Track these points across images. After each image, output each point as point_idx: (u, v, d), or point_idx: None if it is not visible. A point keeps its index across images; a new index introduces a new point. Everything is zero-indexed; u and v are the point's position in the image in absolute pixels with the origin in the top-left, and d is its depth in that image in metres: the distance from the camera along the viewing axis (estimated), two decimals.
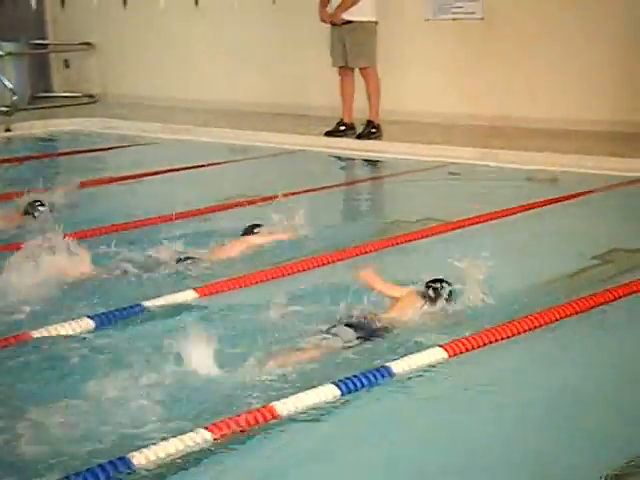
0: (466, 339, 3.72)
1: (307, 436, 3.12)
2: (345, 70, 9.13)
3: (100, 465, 2.81)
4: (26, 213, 5.96)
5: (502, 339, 3.78)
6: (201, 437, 2.99)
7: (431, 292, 4.00)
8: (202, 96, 11.60)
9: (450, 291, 4.01)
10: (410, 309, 3.98)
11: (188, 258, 4.91)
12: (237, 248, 5.12)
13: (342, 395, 3.29)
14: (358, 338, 3.75)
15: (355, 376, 3.37)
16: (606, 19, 8.71)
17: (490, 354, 3.69)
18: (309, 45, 10.42)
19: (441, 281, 4.03)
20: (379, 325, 3.85)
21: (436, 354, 3.62)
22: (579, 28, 8.88)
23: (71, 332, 3.96)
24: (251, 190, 6.75)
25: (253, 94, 11.19)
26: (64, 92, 13.22)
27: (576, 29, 8.90)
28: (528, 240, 5.39)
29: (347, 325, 3.80)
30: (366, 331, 3.79)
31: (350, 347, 3.69)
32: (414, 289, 4.09)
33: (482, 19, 9.53)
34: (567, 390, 3.42)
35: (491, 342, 3.74)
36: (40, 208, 5.94)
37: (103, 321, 4.08)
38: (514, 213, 5.87)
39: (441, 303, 3.99)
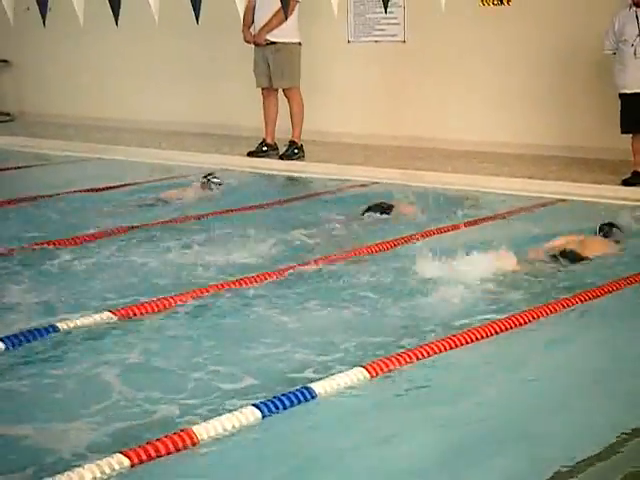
0: None
1: None
2: (269, 91, 9.11)
3: None
4: None
5: None
6: None
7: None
8: (124, 115, 11.45)
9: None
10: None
11: None
12: None
13: None
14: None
15: None
16: (526, 42, 8.87)
17: None
18: (233, 65, 10.38)
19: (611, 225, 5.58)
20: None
21: None
22: (500, 52, 9.03)
23: None
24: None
25: (176, 113, 11.09)
26: None
27: (497, 53, 9.05)
28: None
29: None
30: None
31: None
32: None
33: (403, 42, 9.62)
34: None
35: None
36: None
37: None
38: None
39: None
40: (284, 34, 8.88)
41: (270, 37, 8.89)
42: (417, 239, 5.69)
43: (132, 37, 11.43)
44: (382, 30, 9.78)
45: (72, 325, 4.18)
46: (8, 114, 12.56)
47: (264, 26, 8.88)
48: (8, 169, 9.11)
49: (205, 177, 7.46)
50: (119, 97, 11.64)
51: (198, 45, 10.88)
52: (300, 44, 9.00)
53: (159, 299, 4.55)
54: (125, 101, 11.57)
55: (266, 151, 9.20)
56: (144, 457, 2.94)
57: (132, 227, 6.22)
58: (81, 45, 11.89)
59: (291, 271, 5.06)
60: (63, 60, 12.09)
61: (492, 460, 3.02)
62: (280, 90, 9.10)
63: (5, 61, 12.65)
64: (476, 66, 9.17)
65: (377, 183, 7.84)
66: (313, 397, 3.41)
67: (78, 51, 11.94)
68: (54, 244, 5.71)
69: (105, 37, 11.64)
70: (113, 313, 4.35)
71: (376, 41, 9.84)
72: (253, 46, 9.07)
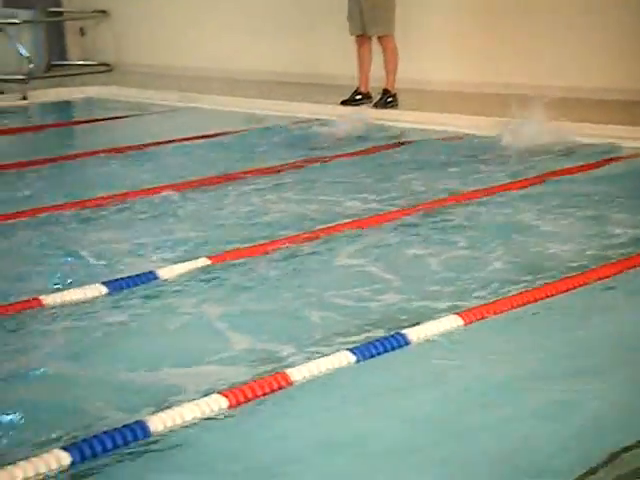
0: None
1: None
2: (362, 38, 9.05)
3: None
4: None
5: None
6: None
7: None
8: (217, 65, 11.54)
9: None
10: None
11: None
12: None
13: None
14: None
15: None
16: None
17: None
18: (326, 13, 10.34)
19: None
20: None
21: None
22: None
23: None
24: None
25: (269, 63, 11.13)
26: (79, 60, 13.19)
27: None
28: None
29: None
30: None
31: None
32: None
33: None
34: None
35: None
36: None
37: None
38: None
39: None
40: None
41: None
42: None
43: None
44: None
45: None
46: (107, 64, 12.79)
47: None
48: (109, 119, 9.33)
49: None
50: (213, 47, 11.72)
51: None
52: None
53: (256, 245, 4.64)
54: (219, 51, 11.65)
55: (360, 99, 9.17)
56: (242, 398, 3.03)
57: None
58: None
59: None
60: (160, 10, 12.22)
61: None
62: (374, 37, 9.03)
63: (103, 12, 12.85)
64: (573, 10, 8.90)
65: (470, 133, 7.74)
66: (407, 344, 3.45)
67: (175, 1, 12.05)
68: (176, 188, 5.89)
69: None
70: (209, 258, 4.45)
71: None
72: None
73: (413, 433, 2.90)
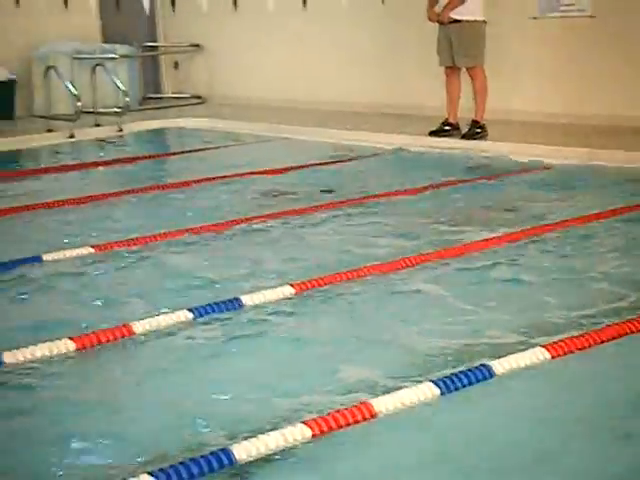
0: None
1: None
2: (452, 69, 9.06)
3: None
4: None
5: None
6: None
7: None
8: (308, 97, 11.67)
9: None
10: None
11: None
12: None
13: None
14: None
15: None
16: None
17: None
18: (415, 44, 10.39)
19: None
20: None
21: None
22: None
23: None
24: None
25: (358, 94, 11.21)
26: (173, 93, 13.53)
27: None
28: None
29: None
30: None
31: None
32: None
33: (591, 17, 9.31)
34: None
35: None
36: None
37: None
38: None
39: None
40: (468, 12, 8.79)
41: (454, 15, 8.83)
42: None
43: (318, 19, 11.65)
44: (570, 5, 9.50)
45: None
46: (199, 97, 13.07)
47: (448, 4, 8.83)
48: (201, 150, 9.52)
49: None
50: (303, 79, 11.87)
51: (382, 25, 10.94)
52: (485, 22, 8.89)
53: (343, 272, 4.70)
54: (308, 82, 11.79)
55: (448, 130, 9.16)
56: (325, 428, 3.04)
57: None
58: (269, 28, 12.21)
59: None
60: (251, 43, 12.44)
61: None
62: (463, 69, 9.03)
63: (197, 45, 13.16)
64: None
65: (560, 163, 7.67)
66: (492, 376, 3.42)
67: (266, 34, 12.26)
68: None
69: (292, 20, 11.93)
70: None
71: (563, 16, 9.57)
72: (437, 25, 9.04)
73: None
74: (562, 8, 9.57)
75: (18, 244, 5.66)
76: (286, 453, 2.93)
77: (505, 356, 3.56)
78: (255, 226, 5.88)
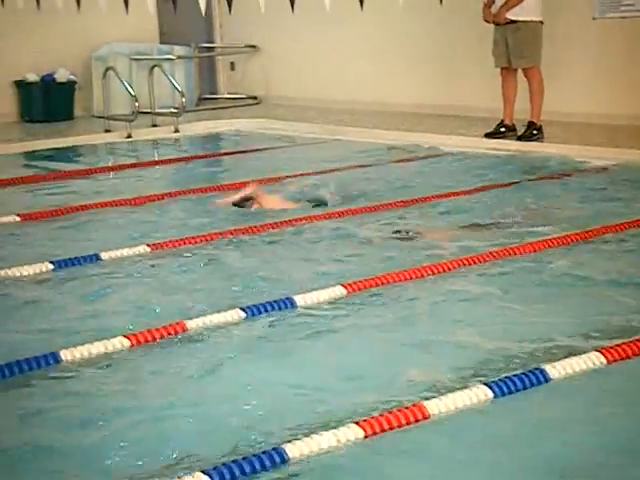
0: None
1: None
2: (508, 71, 8.99)
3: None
4: None
5: None
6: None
7: None
8: (363, 97, 11.67)
9: None
10: None
11: None
12: None
13: None
14: None
15: None
16: None
17: None
18: (471, 45, 10.33)
19: None
20: None
21: None
22: None
23: None
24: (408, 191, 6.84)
25: (412, 95, 11.18)
26: (229, 93, 13.62)
27: None
28: None
29: None
30: None
31: None
32: None
33: None
34: None
35: None
36: None
37: None
38: None
39: None
40: (525, 12, 8.72)
41: (510, 15, 8.76)
42: None
43: (375, 20, 11.63)
44: (629, 5, 9.37)
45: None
46: (255, 97, 13.14)
47: (504, 4, 8.76)
48: (256, 150, 9.58)
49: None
50: (358, 80, 11.87)
51: (437, 26, 10.90)
52: (542, 22, 8.81)
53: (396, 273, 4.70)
54: (364, 83, 11.79)
55: (504, 132, 9.09)
56: (377, 429, 3.05)
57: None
58: (325, 29, 12.22)
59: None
60: (307, 44, 12.48)
61: None
62: (519, 70, 8.96)
63: (254, 46, 13.23)
64: None
65: (618, 165, 7.58)
66: (546, 380, 3.39)
67: (322, 35, 12.29)
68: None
69: (349, 21, 11.92)
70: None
71: (622, 17, 9.44)
72: (492, 25, 8.98)
73: None
74: (622, 8, 9.44)
75: (77, 242, 5.75)
76: (338, 453, 2.94)
77: (561, 359, 3.52)
78: (307, 226, 5.88)
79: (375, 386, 3.45)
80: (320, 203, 6.43)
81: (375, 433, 3.02)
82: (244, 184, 6.81)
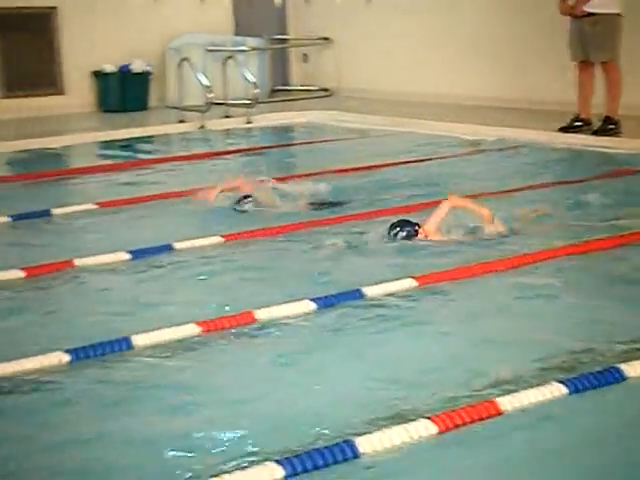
0: None
1: None
2: (585, 64, 8.84)
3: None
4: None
5: None
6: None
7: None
8: (434, 90, 11.60)
9: None
10: None
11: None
12: None
13: None
14: None
15: None
16: None
17: None
18: (541, 38, 10.19)
19: None
20: None
21: None
22: None
23: None
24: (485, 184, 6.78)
25: (485, 87, 11.07)
26: (301, 85, 13.66)
27: None
28: None
29: None
30: None
31: None
32: None
33: None
34: None
35: None
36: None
37: None
38: None
39: None
40: (604, 4, 8.55)
41: (588, 8, 8.60)
42: None
43: (447, 13, 11.56)
44: None
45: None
46: (327, 90, 13.16)
47: None
48: (327, 141, 9.60)
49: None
50: (429, 72, 11.80)
51: (508, 18, 10.76)
52: (621, 15, 8.63)
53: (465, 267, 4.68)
54: (435, 76, 11.71)
55: (579, 126, 8.95)
56: (450, 425, 3.03)
57: None
58: (398, 22, 12.18)
59: None
60: (381, 37, 12.44)
61: None
62: (597, 63, 8.80)
63: (327, 39, 13.24)
64: None
65: None
66: (623, 379, 3.34)
67: (394, 28, 12.24)
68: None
69: (422, 14, 11.87)
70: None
71: None
72: (566, 18, 8.83)
73: None
74: None
75: (152, 231, 5.84)
76: (410, 448, 2.94)
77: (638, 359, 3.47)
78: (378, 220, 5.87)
79: (448, 381, 3.43)
80: (324, 204, 6.19)
81: (448, 429, 3.01)
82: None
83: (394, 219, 5.45)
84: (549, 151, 8.32)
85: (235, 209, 6.19)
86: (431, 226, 5.22)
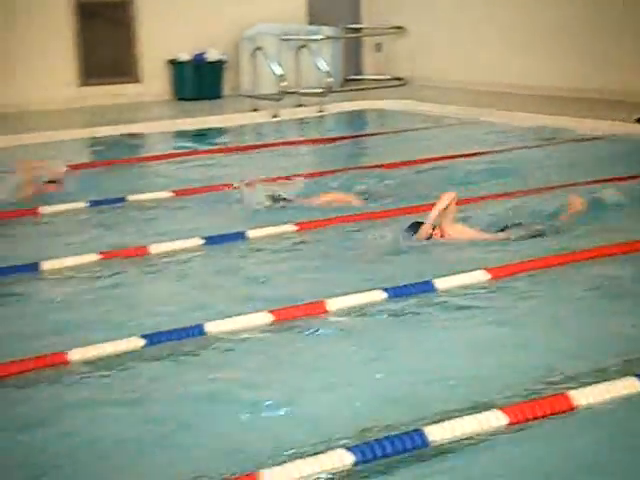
0: None
1: None
2: None
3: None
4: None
5: None
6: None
7: None
8: (509, 80, 11.45)
9: None
10: None
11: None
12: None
13: None
14: None
15: None
16: None
17: None
18: (620, 28, 9.98)
19: None
20: None
21: None
22: None
23: None
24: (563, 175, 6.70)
25: (562, 77, 10.90)
26: (374, 75, 13.61)
27: None
28: None
29: None
30: None
31: None
32: None
33: None
34: None
35: None
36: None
37: None
38: None
39: None
40: None
41: None
42: None
43: (526, 3, 11.40)
44: None
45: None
46: (400, 79, 13.09)
47: None
48: (400, 131, 9.56)
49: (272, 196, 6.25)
50: (504, 62, 11.64)
51: (587, 9, 10.57)
52: None
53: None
54: (509, 66, 11.55)
55: None
56: (521, 417, 3.01)
57: None
58: (474, 12, 12.04)
59: None
60: (454, 26, 12.33)
61: None
62: None
63: (400, 28, 13.16)
64: None
65: None
66: None
67: (469, 18, 12.11)
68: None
69: (497, 2, 11.73)
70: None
71: None
72: None
73: None
74: None
75: (225, 219, 5.89)
76: (480, 439, 2.93)
77: None
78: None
79: (520, 373, 3.40)
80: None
81: (518, 421, 2.99)
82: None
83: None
84: (627, 142, 8.15)
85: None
86: (431, 220, 5.08)
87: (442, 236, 5.10)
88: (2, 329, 4.11)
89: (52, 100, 11.18)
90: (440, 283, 4.39)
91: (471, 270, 4.50)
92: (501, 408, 3.04)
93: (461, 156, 7.68)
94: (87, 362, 3.62)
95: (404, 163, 7.50)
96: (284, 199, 6.10)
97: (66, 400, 3.35)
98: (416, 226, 5.13)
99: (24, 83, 11.11)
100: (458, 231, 5.16)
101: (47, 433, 3.10)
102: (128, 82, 12.02)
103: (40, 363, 3.61)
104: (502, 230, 5.23)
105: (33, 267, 4.85)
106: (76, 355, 3.66)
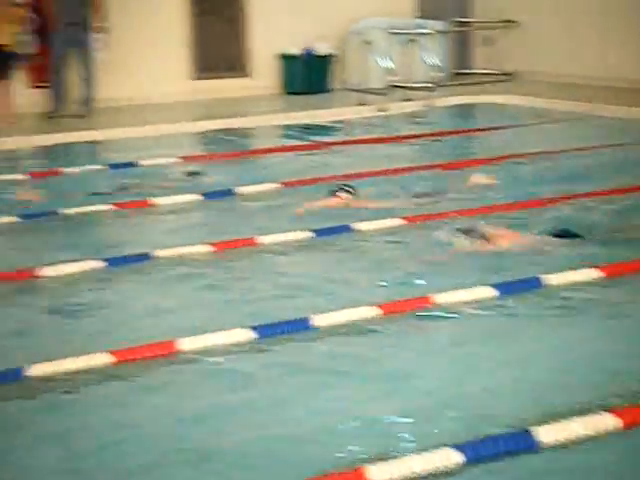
0: None
1: None
2: None
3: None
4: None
5: None
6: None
7: None
8: (622, 74, 11.15)
9: None
10: None
11: None
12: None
13: None
14: None
15: None
16: None
17: None
18: None
19: None
20: None
21: None
22: None
23: None
24: None
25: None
26: (482, 69, 13.44)
27: None
28: None
29: None
30: None
31: None
32: None
33: None
34: None
35: None
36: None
37: None
38: None
39: None
40: None
41: None
42: None
43: None
44: None
45: None
46: (509, 73, 12.88)
47: None
48: (508, 126, 9.43)
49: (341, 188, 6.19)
50: (615, 56, 11.33)
51: None
52: None
53: None
54: (622, 60, 11.23)
55: None
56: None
57: None
58: (586, 5, 11.79)
59: None
60: (566, 19, 12.08)
61: None
62: None
63: (512, 21, 12.95)
64: None
65: None
66: None
67: (581, 12, 11.83)
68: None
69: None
70: None
71: None
72: None
73: None
74: None
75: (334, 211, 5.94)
76: (591, 442, 2.88)
77: None
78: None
79: (630, 376, 3.33)
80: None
81: (634, 423, 2.93)
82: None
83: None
84: None
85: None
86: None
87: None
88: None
89: (166, 94, 11.44)
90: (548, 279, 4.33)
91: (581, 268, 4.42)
92: (613, 410, 2.98)
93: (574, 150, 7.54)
94: None
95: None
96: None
97: None
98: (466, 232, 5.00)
99: (140, 78, 11.40)
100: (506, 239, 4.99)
101: None
102: (239, 76, 12.20)
103: None
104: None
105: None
106: None
